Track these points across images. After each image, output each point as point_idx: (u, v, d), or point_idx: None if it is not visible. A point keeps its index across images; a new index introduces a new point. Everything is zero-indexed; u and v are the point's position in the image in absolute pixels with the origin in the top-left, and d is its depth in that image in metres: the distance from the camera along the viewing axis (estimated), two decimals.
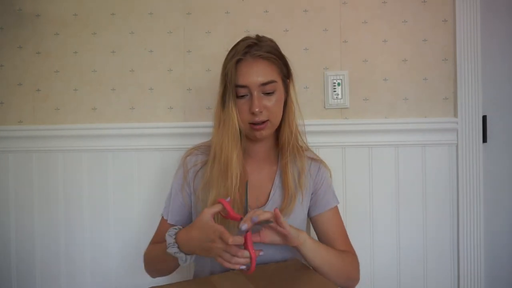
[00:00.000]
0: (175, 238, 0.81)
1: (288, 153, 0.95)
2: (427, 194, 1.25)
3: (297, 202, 0.94)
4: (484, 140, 1.25)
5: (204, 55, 1.26)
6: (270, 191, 0.95)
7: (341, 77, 1.24)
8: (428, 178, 1.25)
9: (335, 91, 1.24)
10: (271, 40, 0.94)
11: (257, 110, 0.86)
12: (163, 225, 1.00)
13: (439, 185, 1.25)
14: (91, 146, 1.26)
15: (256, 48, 0.89)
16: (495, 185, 1.28)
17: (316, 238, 1.00)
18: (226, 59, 0.93)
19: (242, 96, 0.89)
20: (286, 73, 0.94)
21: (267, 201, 0.94)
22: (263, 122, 0.89)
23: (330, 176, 1.03)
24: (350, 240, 1.00)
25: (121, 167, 1.27)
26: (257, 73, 0.87)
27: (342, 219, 1.02)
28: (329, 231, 0.97)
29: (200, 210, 0.92)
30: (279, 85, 0.91)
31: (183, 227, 0.84)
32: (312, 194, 0.99)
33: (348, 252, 0.95)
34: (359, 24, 1.25)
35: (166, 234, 0.83)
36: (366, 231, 1.25)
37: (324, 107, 1.26)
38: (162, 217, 1.01)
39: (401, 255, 1.26)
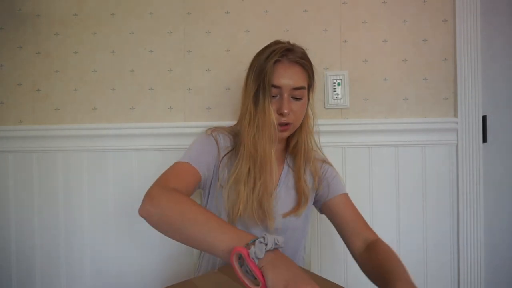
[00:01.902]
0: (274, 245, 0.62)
1: (303, 159, 0.98)
2: (427, 194, 1.25)
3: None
4: (484, 140, 1.25)
5: (204, 55, 1.26)
6: (276, 188, 0.98)
7: (341, 77, 1.24)
8: (428, 178, 1.25)
9: (335, 91, 1.24)
10: (302, 48, 0.97)
11: (286, 111, 0.89)
12: (186, 169, 0.87)
13: (439, 185, 1.25)
14: (91, 146, 1.26)
15: (292, 53, 0.93)
16: (495, 185, 1.28)
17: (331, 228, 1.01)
18: (258, 58, 0.94)
19: (273, 97, 0.91)
20: (311, 82, 0.98)
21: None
22: (287, 124, 0.92)
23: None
24: None
25: (121, 167, 1.26)
26: (291, 77, 0.91)
27: None
28: (346, 214, 0.96)
29: (220, 198, 0.93)
30: (306, 92, 0.95)
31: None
32: (316, 190, 1.01)
33: (385, 246, 0.88)
34: (359, 24, 1.25)
35: (270, 236, 0.63)
36: None
37: (324, 107, 1.26)
38: (181, 162, 0.88)
39: (401, 255, 1.24)
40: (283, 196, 0.97)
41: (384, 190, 1.25)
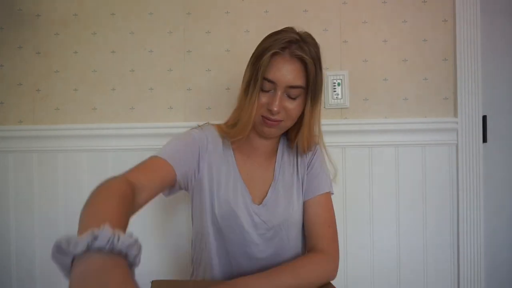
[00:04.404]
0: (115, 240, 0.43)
1: (300, 148, 0.93)
2: (427, 194, 1.25)
3: None
4: (484, 140, 1.25)
5: (204, 55, 1.26)
6: (269, 187, 0.93)
7: (341, 77, 1.24)
8: (428, 178, 1.25)
9: (335, 91, 1.24)
10: (315, 44, 0.86)
11: (275, 109, 0.82)
12: (158, 164, 0.81)
13: (439, 185, 1.25)
14: (91, 146, 1.26)
15: (296, 47, 0.82)
16: (495, 185, 1.29)
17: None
18: (262, 43, 0.85)
19: (266, 91, 0.84)
20: (315, 83, 0.85)
21: (265, 196, 0.92)
22: (276, 120, 0.85)
23: (330, 161, 0.99)
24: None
25: (121, 167, 1.24)
26: (288, 73, 0.82)
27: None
28: (315, 222, 0.90)
29: (207, 204, 0.88)
30: (303, 92, 0.85)
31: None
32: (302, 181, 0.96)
33: (312, 255, 0.86)
34: (359, 24, 1.25)
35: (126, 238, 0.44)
36: (366, 231, 1.25)
37: (324, 107, 1.26)
38: (155, 157, 0.83)
39: (401, 255, 1.26)
40: (281, 191, 0.93)
41: (384, 190, 1.25)
